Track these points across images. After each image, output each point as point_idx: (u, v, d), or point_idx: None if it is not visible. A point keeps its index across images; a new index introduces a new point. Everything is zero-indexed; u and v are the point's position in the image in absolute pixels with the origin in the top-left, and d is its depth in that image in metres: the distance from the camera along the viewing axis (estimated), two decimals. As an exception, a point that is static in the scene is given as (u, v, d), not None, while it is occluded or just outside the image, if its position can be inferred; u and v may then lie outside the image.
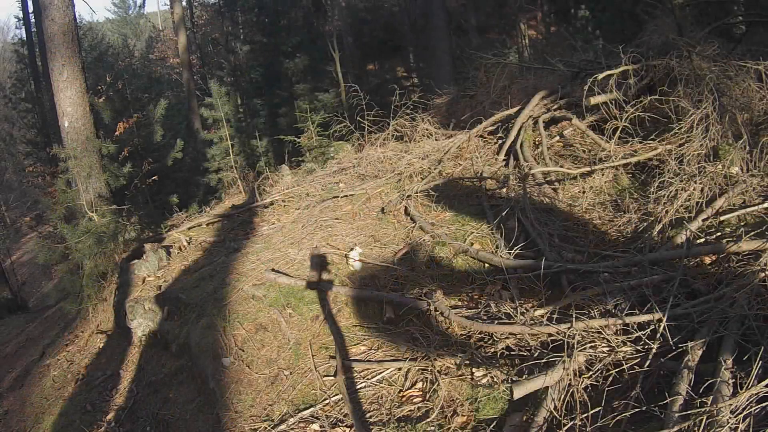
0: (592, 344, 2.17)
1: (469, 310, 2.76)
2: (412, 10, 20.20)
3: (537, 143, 4.18)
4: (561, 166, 3.81)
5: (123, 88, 9.38)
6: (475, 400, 2.29)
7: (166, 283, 4.00)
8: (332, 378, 2.62)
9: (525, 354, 2.37)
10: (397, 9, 22.71)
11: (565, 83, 4.79)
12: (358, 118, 5.29)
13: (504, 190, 3.61)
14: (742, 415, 1.61)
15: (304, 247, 3.67)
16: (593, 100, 3.98)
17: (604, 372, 2.08)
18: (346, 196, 4.29)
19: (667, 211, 2.89)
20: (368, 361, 2.67)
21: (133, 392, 3.47)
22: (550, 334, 2.30)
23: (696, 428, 1.63)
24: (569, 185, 3.64)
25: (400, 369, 2.57)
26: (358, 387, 2.54)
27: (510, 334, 2.45)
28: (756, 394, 1.64)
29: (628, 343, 2.14)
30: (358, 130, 5.44)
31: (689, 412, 1.73)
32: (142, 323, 3.73)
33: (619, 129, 3.68)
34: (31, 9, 15.44)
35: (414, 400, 2.40)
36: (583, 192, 3.47)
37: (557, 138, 4.30)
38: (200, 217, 5.36)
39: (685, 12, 4.43)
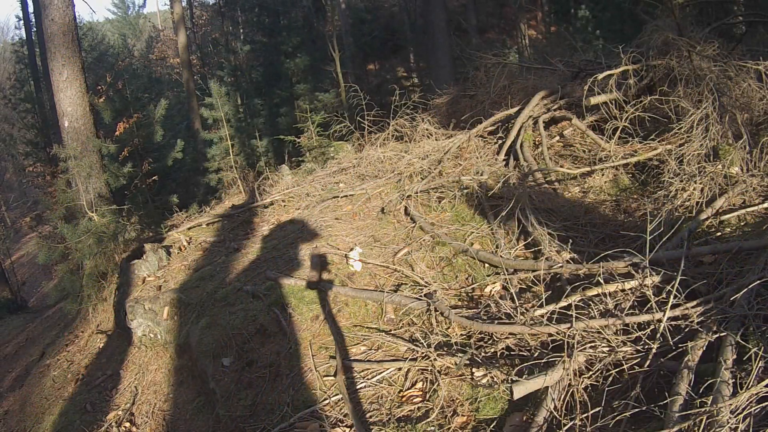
0: (592, 344, 2.17)
1: (469, 310, 2.76)
2: (412, 10, 20.22)
3: (537, 143, 4.18)
4: (561, 166, 3.81)
5: (123, 88, 9.37)
6: (475, 400, 2.29)
7: (166, 283, 4.00)
8: (332, 378, 2.61)
9: (525, 354, 2.37)
10: (397, 9, 22.74)
11: (565, 83, 4.79)
12: (358, 118, 5.29)
13: (504, 190, 3.61)
14: (742, 415, 1.61)
15: (304, 247, 3.67)
16: (593, 100, 3.98)
17: (604, 372, 2.08)
18: (346, 196, 4.29)
19: (667, 211, 2.88)
20: (368, 361, 2.67)
21: (133, 392, 3.47)
22: (550, 334, 2.30)
23: (696, 428, 1.63)
24: (569, 185, 3.64)
25: (400, 369, 2.57)
26: (358, 387, 2.54)
27: (510, 334, 2.45)
28: (756, 394, 1.64)
29: (628, 343, 2.14)
30: (358, 130, 5.45)
31: (689, 412, 1.73)
32: (142, 323, 3.73)
33: (619, 129, 3.69)
34: (31, 9, 15.46)
35: (414, 400, 2.40)
36: (583, 192, 3.47)
37: (557, 138, 4.30)
38: (200, 217, 5.36)
39: (685, 12, 4.43)
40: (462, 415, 2.25)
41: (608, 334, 2.18)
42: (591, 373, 2.08)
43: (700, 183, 3.01)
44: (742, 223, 2.80)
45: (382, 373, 2.57)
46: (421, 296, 2.91)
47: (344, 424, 2.36)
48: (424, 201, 3.86)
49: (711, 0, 5.07)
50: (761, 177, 3.07)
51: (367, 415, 2.38)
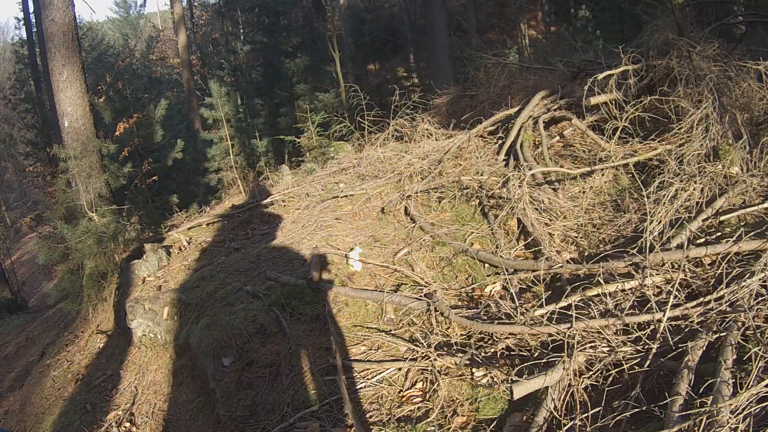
0: (592, 344, 2.17)
1: (469, 310, 2.76)
2: (412, 10, 20.23)
3: (537, 143, 4.18)
4: (561, 166, 3.81)
5: (123, 88, 9.39)
6: (475, 400, 2.29)
7: (166, 283, 4.00)
8: (332, 378, 2.62)
9: (525, 354, 2.37)
10: (397, 9, 22.75)
11: (565, 83, 4.79)
12: (358, 118, 5.29)
13: (504, 190, 3.62)
14: (742, 415, 1.61)
15: (304, 247, 3.67)
16: (593, 100, 3.98)
17: (604, 372, 2.08)
18: (346, 196, 4.29)
19: (667, 211, 2.89)
20: (368, 361, 2.67)
21: (133, 392, 3.47)
22: (550, 334, 2.30)
23: (696, 428, 1.63)
24: (569, 185, 3.64)
25: (400, 369, 2.57)
26: (358, 387, 2.54)
27: (510, 334, 2.45)
28: (756, 394, 1.64)
29: (628, 343, 2.14)
30: (358, 130, 5.44)
31: (689, 412, 1.73)
32: (142, 323, 3.73)
33: (619, 129, 3.68)
34: (31, 9, 15.47)
35: (414, 400, 2.40)
36: (583, 192, 3.47)
37: (557, 138, 4.30)
38: (200, 217, 5.36)
39: (685, 12, 4.43)
40: (462, 415, 2.25)
41: (608, 334, 2.18)
42: (591, 373, 2.08)
43: (700, 183, 3.01)
44: (742, 223, 2.80)
45: (382, 373, 2.57)
46: (421, 296, 2.91)
47: (344, 424, 2.36)
48: (424, 201, 3.86)
49: (711, 0, 5.06)
50: (761, 177, 3.07)
51: (367, 415, 2.38)
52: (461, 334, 2.63)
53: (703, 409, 1.66)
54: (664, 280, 2.46)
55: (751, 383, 1.68)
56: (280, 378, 2.71)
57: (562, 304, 2.44)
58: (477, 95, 5.62)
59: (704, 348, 1.99)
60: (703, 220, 2.85)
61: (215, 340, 3.01)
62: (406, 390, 2.47)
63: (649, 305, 2.20)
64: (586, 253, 2.94)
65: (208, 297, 3.46)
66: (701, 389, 1.76)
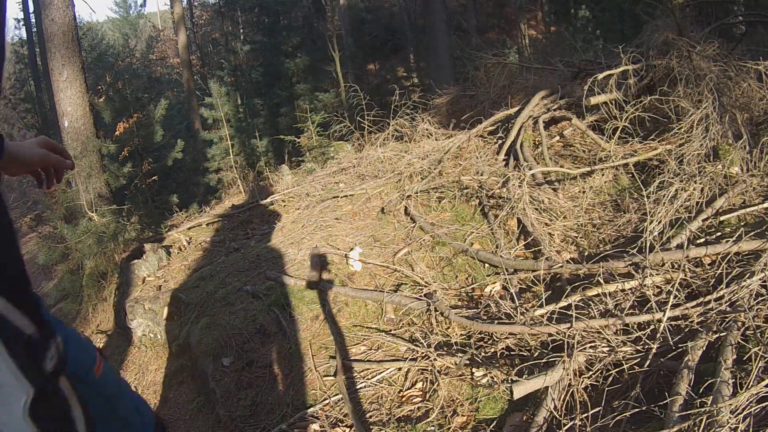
0: (592, 344, 2.17)
1: (469, 310, 2.76)
2: (412, 10, 20.25)
3: (537, 143, 4.18)
4: (561, 166, 3.81)
5: (123, 88, 9.40)
6: (475, 400, 2.29)
7: (166, 283, 4.00)
8: (332, 378, 2.61)
9: (525, 354, 2.37)
10: (397, 9, 22.78)
11: (565, 83, 4.79)
12: (358, 118, 5.29)
13: (504, 190, 3.62)
14: (742, 415, 1.61)
15: (304, 247, 3.67)
16: (593, 100, 3.98)
17: (604, 372, 2.08)
18: (346, 196, 4.29)
19: (667, 211, 2.89)
20: (368, 361, 2.67)
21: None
22: (550, 334, 2.30)
23: (696, 428, 1.63)
24: (569, 185, 3.64)
25: (400, 369, 2.57)
26: (358, 387, 2.54)
27: (510, 334, 2.45)
28: (756, 394, 1.64)
29: (628, 343, 2.14)
30: (358, 130, 5.44)
31: (689, 412, 1.73)
32: (142, 323, 3.73)
33: (619, 129, 3.68)
34: (31, 9, 15.48)
35: (414, 400, 2.40)
36: (583, 192, 3.47)
37: (557, 138, 4.30)
38: (200, 217, 5.36)
39: (685, 12, 4.43)
40: (462, 415, 2.25)
41: (608, 334, 2.18)
42: (591, 373, 2.08)
43: (700, 183, 3.01)
44: (742, 223, 2.80)
45: (382, 373, 2.57)
46: (421, 296, 2.91)
47: (344, 424, 2.36)
48: (424, 201, 3.86)
49: (711, 0, 5.07)
50: (761, 177, 3.07)
51: (367, 415, 2.38)
52: (461, 334, 2.63)
53: (703, 409, 1.66)
54: (664, 280, 2.46)
55: (751, 383, 1.68)
56: (280, 378, 2.71)
57: (562, 304, 2.44)
58: (477, 95, 5.63)
59: (704, 348, 1.99)
60: (703, 220, 2.85)
61: (215, 340, 3.01)
62: (406, 390, 2.47)
63: (649, 305, 2.20)
64: (586, 253, 2.94)
65: (208, 297, 3.46)
66: (701, 389, 1.75)
